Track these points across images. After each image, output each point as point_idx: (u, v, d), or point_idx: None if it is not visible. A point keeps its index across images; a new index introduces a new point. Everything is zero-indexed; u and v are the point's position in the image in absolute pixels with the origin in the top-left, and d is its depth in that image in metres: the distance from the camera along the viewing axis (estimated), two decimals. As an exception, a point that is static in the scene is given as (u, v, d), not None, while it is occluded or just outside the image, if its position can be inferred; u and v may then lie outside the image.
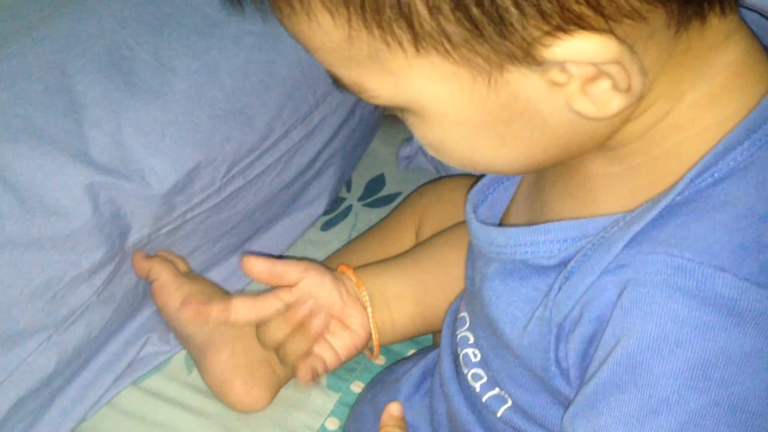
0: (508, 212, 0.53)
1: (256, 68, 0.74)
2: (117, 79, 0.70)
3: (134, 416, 0.71)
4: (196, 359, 0.72)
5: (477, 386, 0.52)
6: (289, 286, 0.62)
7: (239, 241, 0.79)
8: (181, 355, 0.74)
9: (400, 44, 0.37)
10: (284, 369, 0.70)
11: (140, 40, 0.72)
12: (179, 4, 0.76)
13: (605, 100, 0.38)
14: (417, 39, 0.37)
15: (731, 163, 0.40)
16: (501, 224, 0.53)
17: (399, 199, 0.87)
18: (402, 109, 0.42)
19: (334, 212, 0.87)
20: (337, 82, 0.42)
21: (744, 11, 0.44)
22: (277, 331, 0.62)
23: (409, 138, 0.91)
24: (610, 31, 0.36)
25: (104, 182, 0.67)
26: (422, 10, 0.36)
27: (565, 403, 0.45)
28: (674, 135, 0.41)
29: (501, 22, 0.36)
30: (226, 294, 0.73)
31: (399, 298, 0.65)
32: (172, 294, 0.70)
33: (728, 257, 0.38)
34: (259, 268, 0.62)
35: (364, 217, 0.86)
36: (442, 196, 0.74)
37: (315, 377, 0.61)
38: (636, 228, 0.40)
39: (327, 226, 0.86)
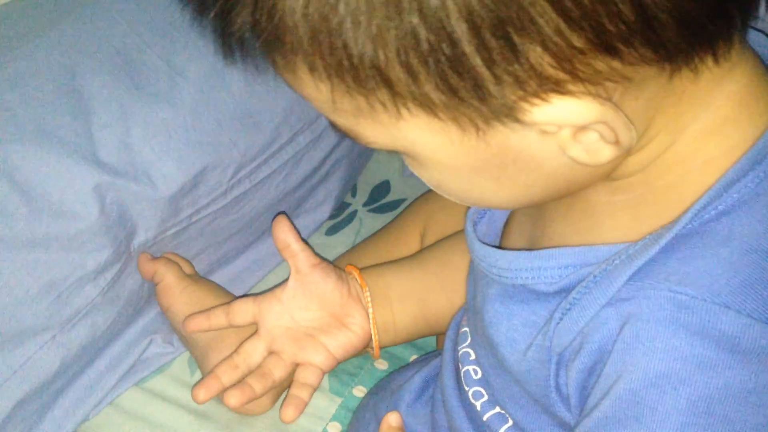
0: (507, 229, 0.54)
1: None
2: (126, 81, 0.71)
3: (137, 417, 0.71)
4: (199, 361, 0.72)
5: (478, 405, 0.53)
6: None
7: (244, 244, 0.80)
8: (184, 357, 0.75)
9: (384, 106, 0.37)
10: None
11: (150, 42, 0.73)
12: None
13: (596, 149, 0.38)
14: (400, 102, 0.37)
15: (735, 195, 0.40)
16: (501, 241, 0.53)
17: (403, 205, 0.87)
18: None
19: (339, 217, 0.87)
20: (333, 127, 0.42)
21: (751, 32, 0.44)
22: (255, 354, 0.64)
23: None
24: (590, 94, 0.36)
25: (112, 183, 0.68)
26: (402, 77, 0.36)
27: (566, 426, 0.46)
28: (678, 166, 0.41)
29: (478, 88, 0.36)
30: (229, 296, 0.73)
31: (401, 297, 0.66)
32: (176, 296, 0.71)
33: (732, 294, 0.39)
34: (285, 233, 0.65)
35: (368, 222, 0.86)
36: (447, 202, 0.74)
37: (299, 409, 0.64)
38: (639, 262, 0.40)
39: (332, 230, 0.86)
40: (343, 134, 0.42)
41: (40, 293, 0.65)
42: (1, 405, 0.65)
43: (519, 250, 0.48)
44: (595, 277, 0.42)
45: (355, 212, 0.88)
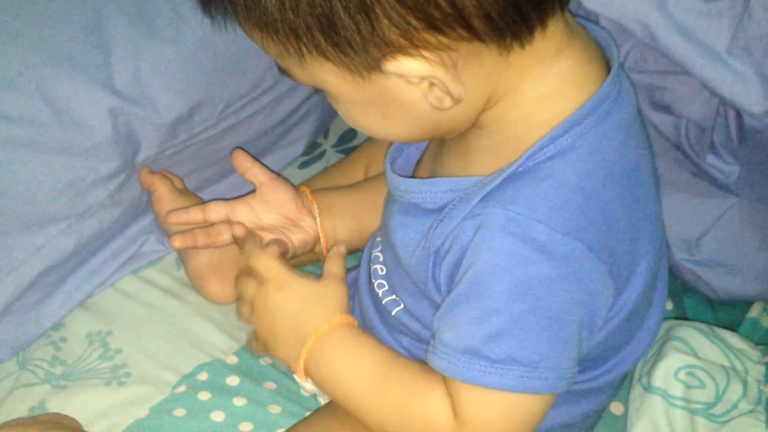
0: (418, 165, 0.67)
1: None
2: (140, 25, 0.79)
3: (132, 297, 0.82)
4: (183, 259, 0.84)
5: (380, 292, 0.67)
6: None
7: (227, 170, 0.89)
8: (173, 255, 0.86)
9: (296, 53, 0.52)
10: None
11: None
12: (196, -32, 0.87)
13: (441, 98, 0.53)
14: (305, 49, 0.52)
15: (557, 147, 0.54)
16: (413, 173, 0.67)
17: None
18: (322, 90, 0.56)
19: (311, 155, 0.98)
20: (278, 67, 0.57)
21: (594, 27, 0.58)
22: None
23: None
24: (425, 57, 0.50)
25: (123, 107, 0.76)
26: (304, 36, 0.51)
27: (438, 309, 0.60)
28: (522, 122, 0.55)
29: (351, 45, 0.50)
30: None
31: (342, 213, 0.78)
32: (167, 204, 0.82)
33: (544, 213, 0.53)
34: (245, 159, 0.76)
35: (335, 160, 0.97)
36: (384, 145, 0.88)
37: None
38: (487, 189, 0.55)
39: (303, 165, 0.97)
40: (284, 73, 0.56)
41: (62, 189, 0.75)
42: (25, 275, 0.76)
43: (418, 178, 0.62)
44: (461, 198, 0.56)
45: (324, 151, 0.98)
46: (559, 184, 0.54)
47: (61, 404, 0.74)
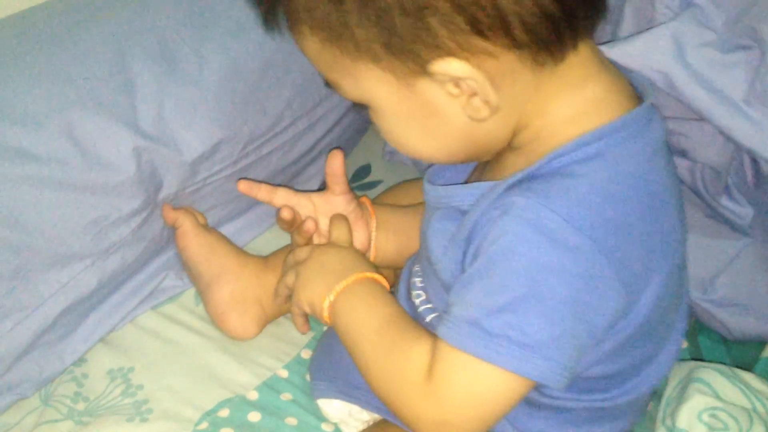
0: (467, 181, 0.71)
1: (274, 68, 0.86)
2: (164, 66, 0.81)
3: (152, 333, 0.84)
4: (203, 294, 0.85)
5: (417, 302, 0.70)
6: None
7: (246, 205, 0.92)
8: (191, 291, 0.88)
9: (350, 55, 0.56)
10: (271, 309, 0.84)
11: (184, 36, 0.84)
12: (217, 10, 0.87)
13: (478, 108, 0.57)
14: (359, 52, 0.56)
15: (583, 153, 0.57)
16: None
17: (380, 185, 1.00)
18: (366, 106, 0.60)
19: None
20: (325, 81, 0.61)
21: (633, 72, 0.60)
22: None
23: (394, 136, 1.06)
24: (468, 60, 0.55)
25: (147, 146, 0.78)
26: (360, 35, 0.55)
27: None
28: (551, 139, 0.59)
29: (404, 45, 0.54)
30: (232, 244, 0.87)
31: (395, 231, 0.81)
32: (192, 239, 0.84)
33: (559, 205, 0.56)
34: (338, 164, 0.79)
35: None
36: None
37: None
38: (512, 181, 0.58)
39: None
40: (330, 88, 0.60)
41: (86, 227, 0.77)
42: (50, 311, 0.77)
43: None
44: (485, 195, 0.60)
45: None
46: (580, 183, 0.57)
47: (85, 440, 0.75)
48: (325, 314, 0.71)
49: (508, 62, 0.56)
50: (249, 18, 0.86)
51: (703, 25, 0.64)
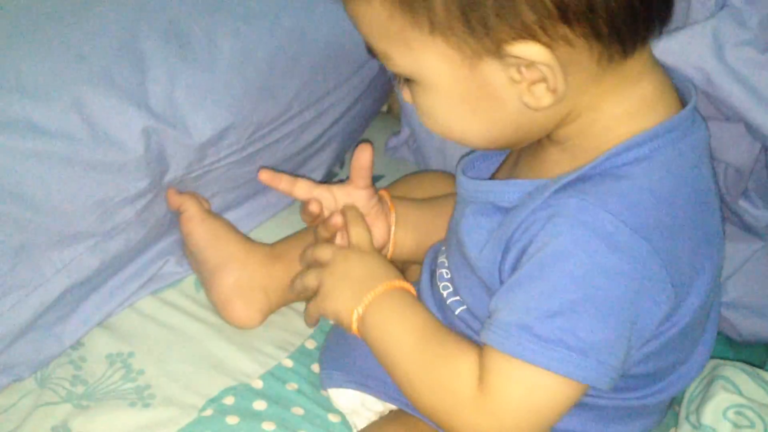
0: (496, 174, 0.70)
1: (285, 56, 0.86)
2: (175, 47, 0.80)
3: (151, 318, 0.82)
4: (206, 280, 0.83)
5: (445, 293, 0.69)
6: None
7: (250, 192, 0.90)
8: (192, 278, 0.86)
9: (420, 27, 0.55)
10: (276, 299, 0.83)
11: (197, 18, 0.83)
12: (230, -5, 0.86)
13: (541, 96, 0.56)
14: (432, 25, 0.54)
15: (635, 155, 0.57)
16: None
17: (382, 180, 1.00)
18: (409, 79, 0.58)
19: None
20: (371, 51, 0.59)
21: (671, 70, 0.60)
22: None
23: (397, 132, 1.04)
24: (548, 46, 0.54)
25: (156, 127, 0.77)
26: (439, 7, 0.54)
27: None
28: (601, 136, 0.59)
29: (485, 23, 0.53)
30: (237, 231, 0.86)
31: (414, 226, 0.80)
32: (196, 224, 0.82)
33: (615, 207, 0.56)
34: (367, 157, 0.77)
35: None
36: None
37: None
38: (562, 182, 0.57)
39: None
40: (376, 58, 0.58)
41: (92, 206, 0.75)
42: (51, 291, 0.76)
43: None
44: (532, 193, 0.59)
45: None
46: (633, 185, 0.57)
47: (85, 424, 0.73)
48: (354, 326, 0.69)
49: (581, 52, 0.55)
50: (260, 5, 0.86)
51: (741, 25, 0.65)
